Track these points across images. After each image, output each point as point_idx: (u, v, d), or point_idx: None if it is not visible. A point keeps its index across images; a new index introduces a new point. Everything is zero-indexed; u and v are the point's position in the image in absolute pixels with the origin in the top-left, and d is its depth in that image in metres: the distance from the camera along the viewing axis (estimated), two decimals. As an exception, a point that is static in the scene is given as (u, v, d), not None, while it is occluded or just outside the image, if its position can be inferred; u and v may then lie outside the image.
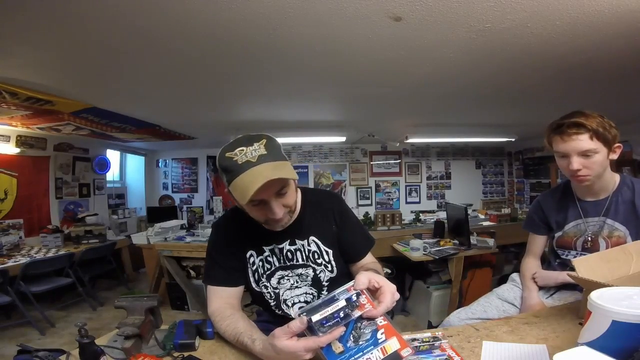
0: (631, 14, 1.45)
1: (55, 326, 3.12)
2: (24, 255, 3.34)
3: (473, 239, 3.11)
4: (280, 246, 1.05)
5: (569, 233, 1.30)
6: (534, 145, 5.61)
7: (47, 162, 4.21)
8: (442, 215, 4.17)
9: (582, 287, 1.06)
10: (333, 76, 2.31)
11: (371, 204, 6.05)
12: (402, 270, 3.24)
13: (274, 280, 1.07)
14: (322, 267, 1.06)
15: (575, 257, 1.25)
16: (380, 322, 0.71)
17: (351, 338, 0.69)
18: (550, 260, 1.41)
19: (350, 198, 6.02)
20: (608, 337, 0.61)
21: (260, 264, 1.07)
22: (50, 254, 3.43)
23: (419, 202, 6.15)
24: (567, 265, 1.30)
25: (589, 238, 1.25)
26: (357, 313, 0.69)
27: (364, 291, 0.73)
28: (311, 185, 5.92)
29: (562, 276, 1.25)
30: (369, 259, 1.12)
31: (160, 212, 5.59)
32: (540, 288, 1.34)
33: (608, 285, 0.74)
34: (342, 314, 0.68)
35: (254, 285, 1.08)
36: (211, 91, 2.62)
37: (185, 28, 1.55)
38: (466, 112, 3.57)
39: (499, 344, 0.86)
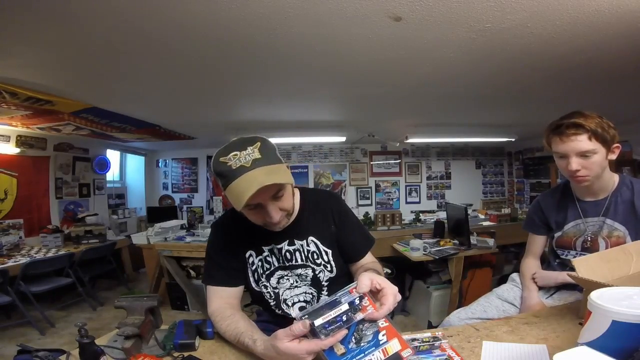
0: (631, 14, 1.45)
1: (55, 326, 3.12)
2: (24, 255, 3.34)
3: (473, 239, 3.11)
4: (279, 246, 1.05)
5: (569, 233, 1.30)
6: (534, 145, 5.61)
7: (47, 162, 4.21)
8: (442, 215, 4.17)
9: (582, 287, 1.06)
10: (333, 76, 2.31)
11: (371, 204, 6.05)
12: (402, 270, 3.24)
13: (273, 280, 1.07)
14: (322, 267, 1.06)
15: (575, 257, 1.25)
16: (382, 323, 0.71)
17: (353, 339, 0.69)
18: (550, 260, 1.41)
19: (350, 198, 6.02)
20: (608, 337, 0.61)
21: (260, 263, 1.07)
22: (50, 254, 3.43)
23: (419, 202, 6.15)
24: (566, 265, 1.30)
25: (589, 238, 1.25)
26: (359, 316, 0.69)
27: (366, 293, 0.73)
28: (311, 185, 5.92)
29: (562, 276, 1.25)
30: (368, 258, 1.11)
31: (160, 212, 5.59)
32: (540, 288, 1.34)
33: (608, 285, 0.74)
34: (344, 318, 0.68)
35: (253, 285, 1.08)
36: (211, 91, 2.62)
37: (185, 28, 1.55)
38: (466, 112, 3.57)
39: (499, 344, 0.86)
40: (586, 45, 1.77)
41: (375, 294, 0.75)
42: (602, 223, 1.22)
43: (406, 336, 0.86)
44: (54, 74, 2.12)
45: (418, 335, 0.92)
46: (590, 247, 1.24)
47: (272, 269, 1.06)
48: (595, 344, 0.61)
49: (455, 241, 3.22)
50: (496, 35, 1.66)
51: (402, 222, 4.10)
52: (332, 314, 0.68)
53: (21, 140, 3.75)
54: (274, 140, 0.94)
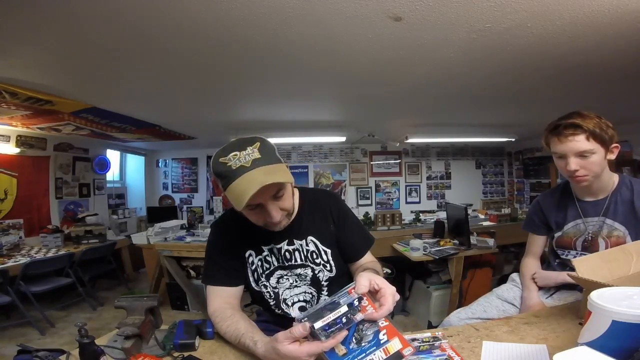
0: (631, 14, 1.45)
1: (55, 326, 3.12)
2: (24, 255, 3.34)
3: (473, 239, 3.11)
4: (279, 246, 1.05)
5: (569, 233, 1.30)
6: (534, 145, 5.61)
7: (47, 162, 4.21)
8: (442, 215, 4.17)
9: (582, 287, 1.06)
10: (333, 76, 2.31)
11: (371, 204, 6.05)
12: (402, 270, 3.24)
13: (273, 280, 1.07)
14: (321, 267, 1.06)
15: (575, 257, 1.25)
16: (382, 323, 0.71)
17: (354, 340, 0.69)
18: (550, 260, 1.41)
19: (350, 198, 6.02)
20: (608, 337, 0.61)
21: (259, 263, 1.07)
22: (50, 254, 3.43)
23: (419, 202, 6.15)
24: (566, 265, 1.30)
25: (589, 238, 1.25)
26: (359, 317, 0.69)
27: (365, 293, 0.73)
28: (311, 185, 5.93)
29: (562, 276, 1.25)
30: (368, 258, 1.11)
31: (160, 212, 5.59)
32: (540, 288, 1.34)
33: (608, 285, 0.74)
34: (344, 319, 0.68)
35: (253, 284, 1.08)
36: (211, 91, 2.62)
37: (185, 28, 1.55)
38: (466, 112, 3.57)
39: (499, 344, 0.86)
40: (586, 45, 1.77)
41: (374, 294, 0.75)
42: (601, 223, 1.22)
43: (406, 336, 0.86)
44: (54, 74, 2.12)
45: (418, 335, 0.92)
46: (590, 247, 1.24)
47: (272, 268, 1.06)
48: (595, 344, 0.61)
49: (455, 241, 3.22)
50: (496, 35, 1.66)
51: (402, 222, 4.10)
52: (332, 315, 0.68)
53: (21, 140, 3.75)
54: (273, 140, 0.94)
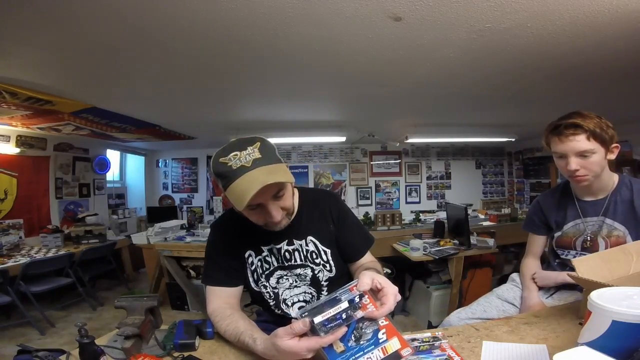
0: (631, 14, 1.45)
1: (55, 326, 3.11)
2: (24, 255, 3.33)
3: (473, 239, 3.11)
4: (278, 246, 1.05)
5: (569, 233, 1.30)
6: (534, 145, 5.61)
7: (47, 162, 4.21)
8: (442, 215, 4.17)
9: (582, 287, 1.06)
10: (333, 76, 2.31)
11: (371, 204, 6.05)
12: (402, 270, 3.24)
13: (272, 280, 1.07)
14: (321, 266, 1.06)
15: (574, 257, 1.25)
16: (382, 322, 0.71)
17: (352, 337, 0.69)
18: (550, 260, 1.41)
19: (350, 198, 6.02)
20: (608, 337, 0.61)
21: (259, 263, 1.07)
22: (50, 254, 3.43)
23: (419, 202, 6.15)
24: (566, 265, 1.30)
25: (588, 238, 1.25)
26: (359, 314, 0.69)
27: (367, 291, 0.73)
28: (311, 185, 5.93)
29: (562, 276, 1.25)
30: (368, 258, 1.11)
31: (160, 212, 5.59)
32: (540, 288, 1.34)
33: (608, 285, 0.74)
34: (344, 316, 0.68)
35: (253, 285, 1.08)
36: (211, 91, 2.62)
37: (185, 28, 1.55)
38: (466, 112, 3.57)
39: (499, 344, 0.86)
40: (586, 45, 1.77)
41: (375, 293, 0.75)
42: (601, 223, 1.22)
43: (406, 336, 0.86)
44: (54, 74, 2.12)
45: (418, 335, 0.92)
46: (590, 247, 1.24)
47: (272, 268, 1.07)
48: (595, 344, 0.61)
49: (455, 241, 3.22)
50: (496, 35, 1.66)
51: (402, 222, 4.10)
52: (331, 311, 0.68)
53: (21, 140, 3.75)
54: (273, 140, 0.94)
